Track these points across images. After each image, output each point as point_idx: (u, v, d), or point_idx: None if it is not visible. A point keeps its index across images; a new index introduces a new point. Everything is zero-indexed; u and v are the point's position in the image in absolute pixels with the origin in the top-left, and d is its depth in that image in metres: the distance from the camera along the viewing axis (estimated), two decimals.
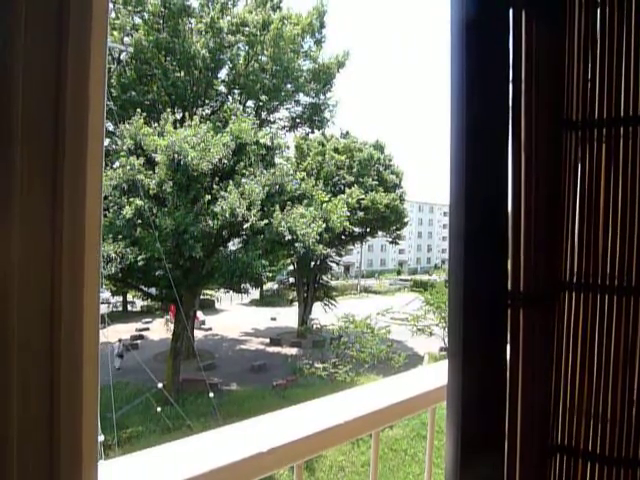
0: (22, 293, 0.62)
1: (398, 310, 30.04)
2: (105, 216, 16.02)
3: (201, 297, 25.75)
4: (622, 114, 0.87)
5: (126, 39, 20.29)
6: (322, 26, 24.37)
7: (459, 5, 0.84)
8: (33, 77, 0.62)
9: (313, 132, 27.31)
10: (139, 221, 16.43)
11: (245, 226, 17.22)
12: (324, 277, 29.50)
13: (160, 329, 25.03)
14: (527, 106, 0.87)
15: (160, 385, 15.23)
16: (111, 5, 18.02)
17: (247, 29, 22.14)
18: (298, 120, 26.07)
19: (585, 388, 0.94)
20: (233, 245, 19.34)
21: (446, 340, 22.57)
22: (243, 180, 18.26)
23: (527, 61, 0.86)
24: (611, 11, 0.87)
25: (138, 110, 17.68)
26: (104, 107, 0.69)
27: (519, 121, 0.88)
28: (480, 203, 0.87)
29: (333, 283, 33.51)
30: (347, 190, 25.23)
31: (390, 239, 35.31)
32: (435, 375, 1.60)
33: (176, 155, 16.47)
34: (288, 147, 23.52)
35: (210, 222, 16.68)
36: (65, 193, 0.65)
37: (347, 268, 54.04)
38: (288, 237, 17.77)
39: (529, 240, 0.90)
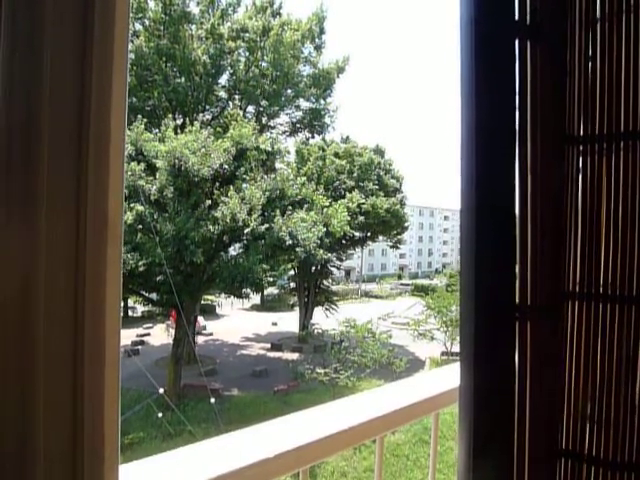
0: (47, 293, 0.64)
1: (399, 315, 30.02)
2: None
3: (202, 302, 25.71)
4: (622, 129, 0.89)
5: None
6: (322, 32, 24.49)
7: (468, 36, 0.87)
8: (59, 81, 0.65)
9: (313, 137, 27.41)
10: (140, 227, 16.46)
11: (246, 231, 17.24)
12: (325, 282, 29.47)
13: (161, 334, 24.99)
14: (533, 123, 0.91)
15: (161, 391, 15.18)
16: None
17: (247, 35, 22.26)
18: (298, 125, 26.15)
19: (588, 394, 0.95)
20: (234, 250, 19.34)
21: (447, 344, 22.59)
22: (244, 185, 18.29)
23: (532, 83, 0.90)
24: (610, 28, 0.89)
25: (139, 116, 17.74)
26: (125, 109, 0.71)
27: (525, 137, 0.91)
28: (489, 217, 0.90)
29: (334, 288, 33.46)
30: (348, 195, 25.27)
31: (391, 243, 35.34)
32: (438, 380, 1.61)
33: (177, 161, 16.51)
34: (288, 152, 23.61)
35: (211, 227, 16.69)
36: (89, 194, 0.67)
37: (348, 273, 54.00)
38: (289, 242, 17.78)
39: (535, 253, 0.93)
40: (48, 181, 0.63)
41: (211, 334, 27.89)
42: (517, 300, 0.97)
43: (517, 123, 0.94)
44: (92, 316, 0.67)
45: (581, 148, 0.94)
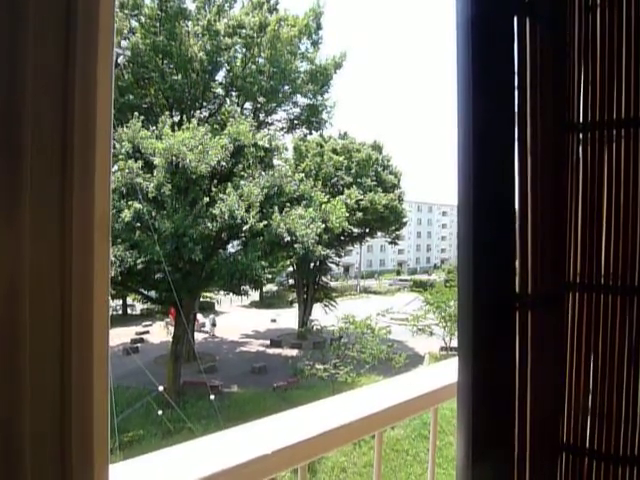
0: (33, 295, 0.62)
1: (398, 310, 30.04)
2: None
3: (201, 299, 25.72)
4: (623, 116, 0.87)
5: (123, 42, 20.28)
6: (319, 27, 24.43)
7: (465, 12, 0.84)
8: (42, 79, 0.63)
9: (311, 133, 27.37)
10: (138, 224, 16.43)
11: (244, 228, 17.22)
12: (324, 278, 29.49)
13: (160, 332, 25.00)
14: (532, 110, 0.89)
15: (161, 388, 15.21)
16: None
17: (244, 31, 22.19)
18: (296, 121, 26.11)
19: (589, 387, 0.94)
20: (232, 247, 19.34)
21: (446, 340, 22.64)
22: (242, 182, 18.27)
23: (532, 66, 0.88)
24: (610, 13, 0.87)
25: (136, 113, 17.68)
26: (111, 107, 0.70)
27: (525, 125, 0.89)
28: (487, 207, 0.88)
29: (333, 284, 33.51)
30: (346, 191, 25.27)
31: (389, 239, 35.32)
32: (437, 375, 1.60)
33: (174, 158, 16.47)
34: (286, 149, 23.58)
35: (209, 224, 16.67)
36: (74, 192, 0.65)
37: (346, 269, 54.01)
38: (287, 238, 17.78)
39: (536, 243, 0.91)
40: (32, 179, 0.62)
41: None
42: (517, 290, 0.94)
43: (516, 109, 0.91)
44: (80, 316, 0.66)
45: (581, 136, 0.92)
